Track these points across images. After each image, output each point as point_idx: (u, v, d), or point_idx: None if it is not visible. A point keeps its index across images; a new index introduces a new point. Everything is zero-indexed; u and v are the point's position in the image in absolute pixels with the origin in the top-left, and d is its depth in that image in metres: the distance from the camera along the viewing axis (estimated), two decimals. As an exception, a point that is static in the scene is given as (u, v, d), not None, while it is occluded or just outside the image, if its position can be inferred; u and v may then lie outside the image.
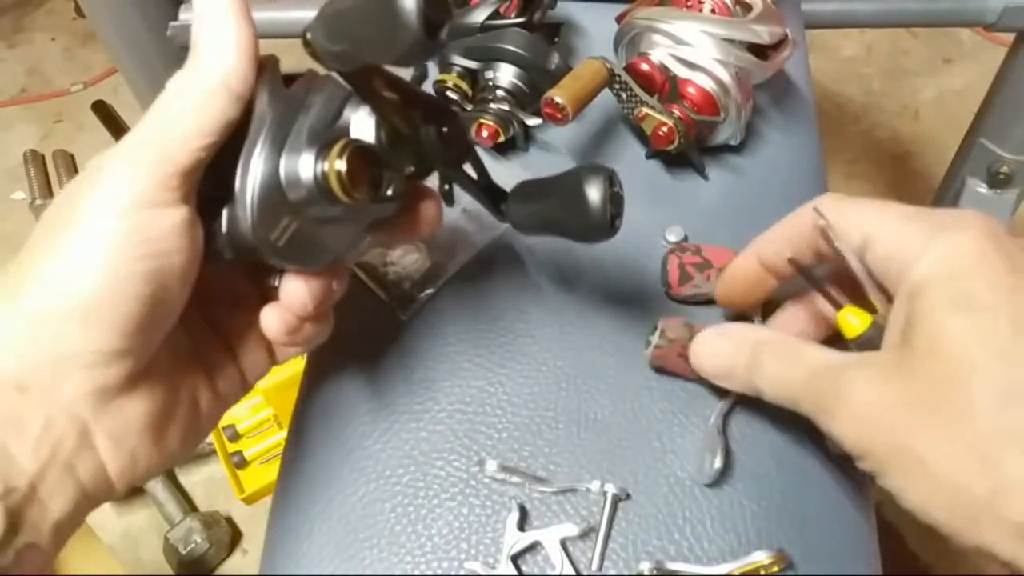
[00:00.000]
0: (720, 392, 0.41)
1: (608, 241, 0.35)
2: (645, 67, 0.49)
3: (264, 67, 0.30)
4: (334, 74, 0.31)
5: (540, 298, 0.45)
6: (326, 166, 0.29)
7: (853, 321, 0.34)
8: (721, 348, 0.37)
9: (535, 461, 0.40)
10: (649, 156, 0.53)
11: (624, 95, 0.49)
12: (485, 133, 0.50)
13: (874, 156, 1.61)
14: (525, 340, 0.44)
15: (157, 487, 1.17)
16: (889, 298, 0.32)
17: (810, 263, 0.36)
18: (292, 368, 0.39)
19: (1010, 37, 0.83)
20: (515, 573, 0.36)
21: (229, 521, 1.18)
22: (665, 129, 0.48)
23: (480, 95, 0.51)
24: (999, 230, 0.30)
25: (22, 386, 0.26)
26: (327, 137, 0.30)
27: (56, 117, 1.79)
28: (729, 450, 0.39)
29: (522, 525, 0.38)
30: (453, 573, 0.37)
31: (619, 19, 0.53)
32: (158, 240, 0.27)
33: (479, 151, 0.39)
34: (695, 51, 0.48)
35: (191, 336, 0.33)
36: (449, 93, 0.51)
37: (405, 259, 0.47)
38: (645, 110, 0.49)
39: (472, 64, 0.51)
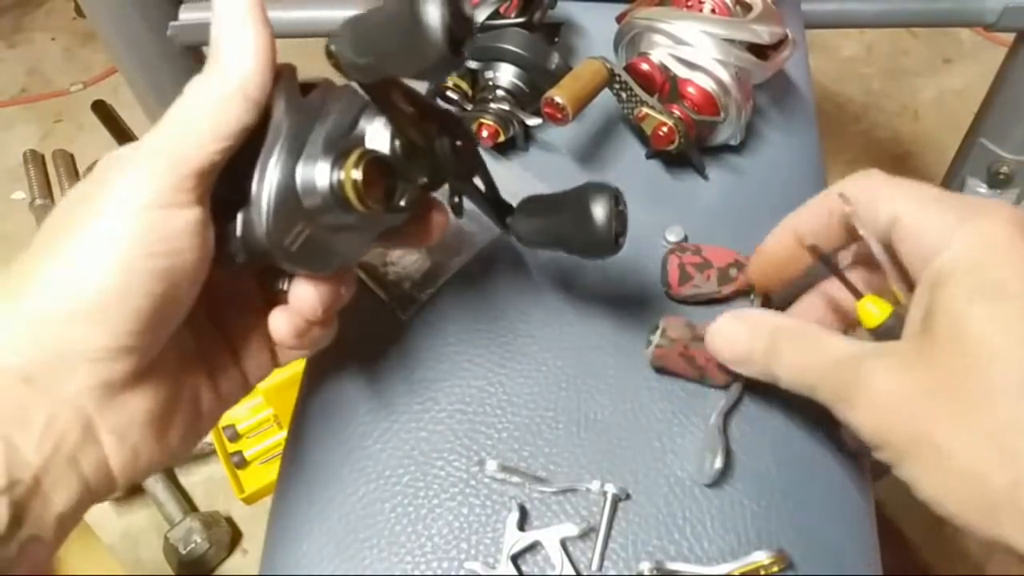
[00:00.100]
0: (722, 389, 0.41)
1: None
2: (645, 67, 0.49)
3: (281, 75, 0.30)
4: (353, 84, 0.32)
5: (540, 298, 0.45)
6: (342, 175, 0.30)
7: (872, 310, 0.33)
8: (739, 333, 0.37)
9: (535, 461, 0.40)
10: (649, 156, 0.53)
11: (624, 95, 0.49)
12: (485, 133, 0.50)
13: (874, 156, 1.61)
14: (525, 340, 0.44)
15: (157, 487, 1.17)
16: (911, 287, 0.32)
17: (832, 250, 0.36)
18: (292, 368, 0.39)
19: (1010, 37, 0.83)
20: (515, 573, 0.36)
21: (229, 521, 1.18)
22: (665, 129, 0.48)
23: (480, 95, 0.51)
24: None
25: (28, 379, 0.27)
26: (343, 147, 0.31)
27: (56, 117, 1.79)
28: (729, 450, 0.39)
29: (522, 525, 0.38)
30: (453, 573, 0.37)
31: (619, 19, 0.53)
32: (171, 239, 0.28)
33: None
34: (695, 51, 0.48)
35: (196, 336, 0.33)
36: (449, 93, 0.51)
37: (405, 259, 0.47)
38: (645, 110, 0.49)
39: (472, 64, 0.51)
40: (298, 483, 0.41)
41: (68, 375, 0.27)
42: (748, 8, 0.50)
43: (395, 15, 0.26)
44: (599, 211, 0.34)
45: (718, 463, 0.38)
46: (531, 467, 0.40)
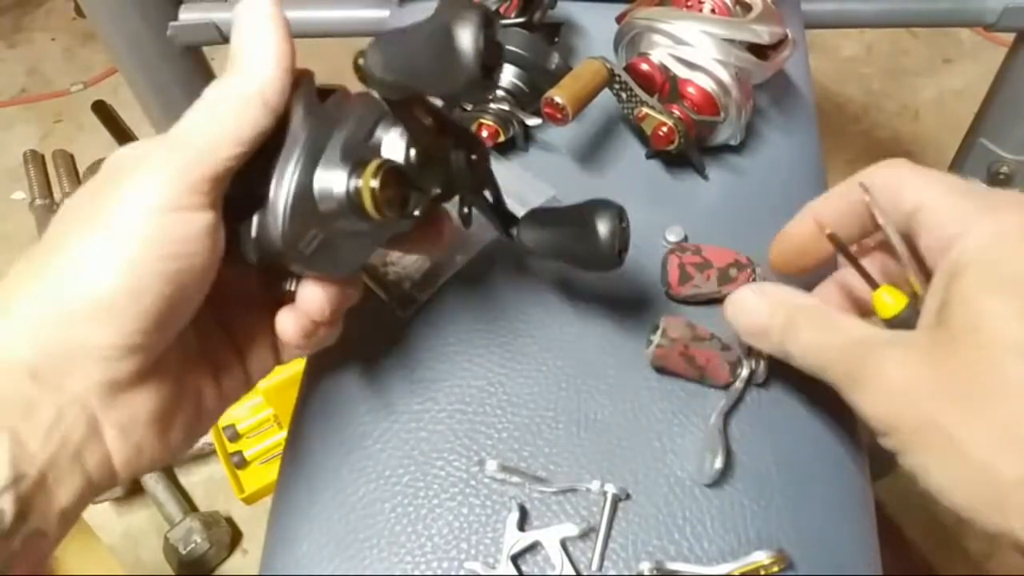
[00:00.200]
0: (722, 389, 0.41)
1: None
2: (645, 67, 0.49)
3: (300, 81, 0.31)
4: (373, 93, 0.32)
5: (540, 298, 0.45)
6: (360, 183, 0.30)
7: (888, 300, 0.33)
8: (759, 306, 0.36)
9: (535, 461, 0.40)
10: (649, 156, 0.53)
11: (624, 95, 0.49)
12: (485, 133, 0.50)
13: (874, 156, 1.59)
14: (525, 340, 0.44)
15: (157, 487, 1.17)
16: (928, 278, 0.32)
17: (852, 239, 0.36)
18: (292, 368, 0.40)
19: (1010, 37, 0.83)
20: (515, 573, 0.36)
21: (229, 521, 1.18)
22: (665, 129, 0.48)
23: (480, 95, 0.51)
24: None
25: (35, 374, 0.27)
26: (360, 155, 0.31)
27: (56, 117, 1.79)
28: (729, 450, 0.39)
29: (522, 525, 0.38)
30: (453, 573, 0.37)
31: (619, 19, 0.53)
32: (182, 242, 0.28)
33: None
34: (695, 51, 0.48)
35: (201, 335, 0.33)
36: (449, 93, 0.51)
37: (405, 259, 0.47)
38: (645, 110, 0.49)
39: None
40: (298, 483, 0.41)
41: (75, 372, 0.27)
42: (748, 8, 0.50)
43: (429, 37, 0.27)
44: (604, 228, 0.36)
45: (718, 463, 0.38)
46: (531, 467, 0.40)
